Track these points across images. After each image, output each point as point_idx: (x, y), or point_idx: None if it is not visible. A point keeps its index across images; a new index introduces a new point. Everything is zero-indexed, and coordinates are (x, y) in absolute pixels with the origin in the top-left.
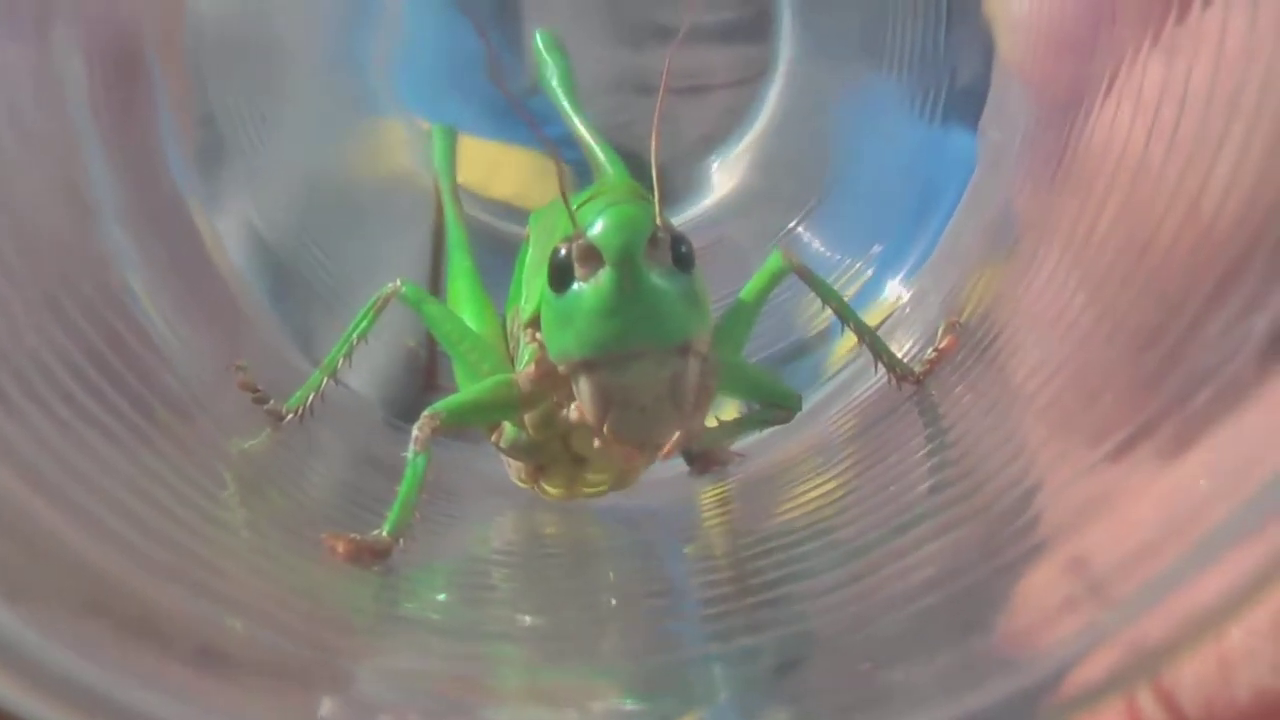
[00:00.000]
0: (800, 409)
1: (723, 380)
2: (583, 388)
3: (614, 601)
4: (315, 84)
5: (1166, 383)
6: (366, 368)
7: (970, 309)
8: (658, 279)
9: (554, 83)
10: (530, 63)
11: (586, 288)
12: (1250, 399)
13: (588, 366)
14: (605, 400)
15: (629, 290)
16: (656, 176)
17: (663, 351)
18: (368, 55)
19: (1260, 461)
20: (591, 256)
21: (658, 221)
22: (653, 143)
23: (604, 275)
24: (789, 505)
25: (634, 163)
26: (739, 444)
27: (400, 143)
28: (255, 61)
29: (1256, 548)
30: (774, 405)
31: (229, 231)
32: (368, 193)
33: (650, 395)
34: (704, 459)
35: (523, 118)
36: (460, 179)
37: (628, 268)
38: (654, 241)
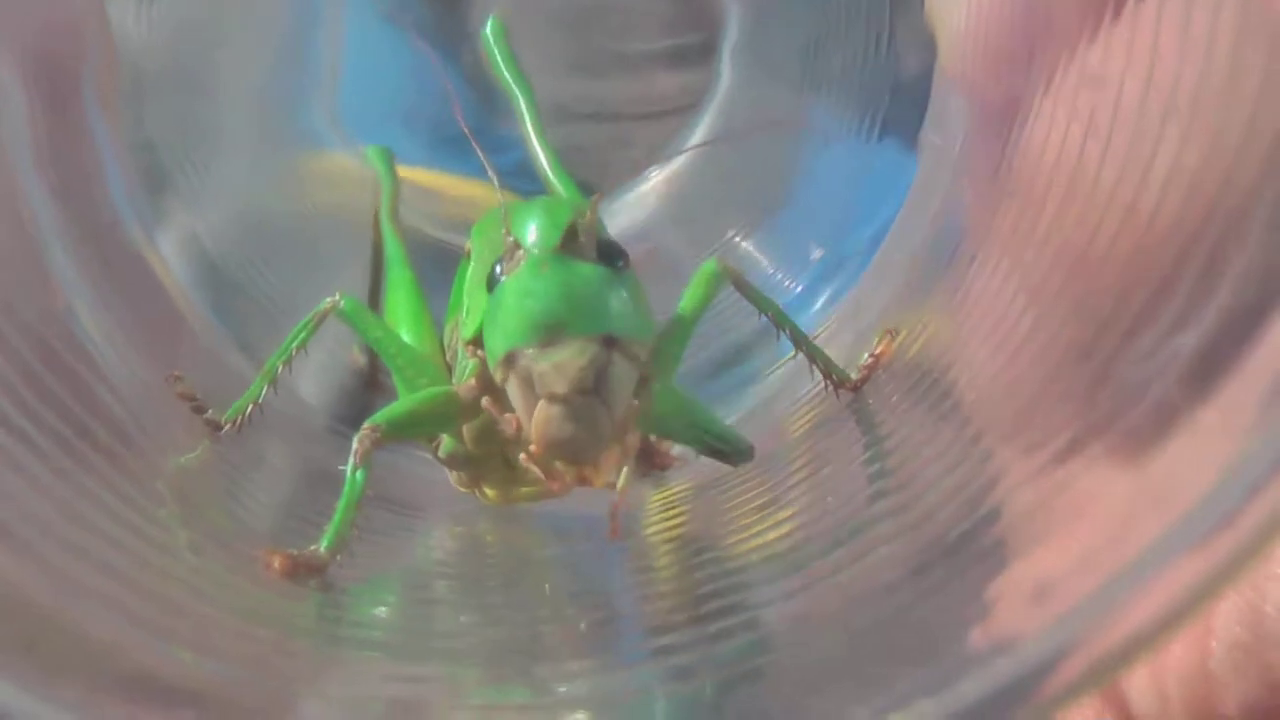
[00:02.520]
0: (752, 459)
1: (662, 407)
2: (511, 388)
3: (555, 616)
4: (258, 111)
5: (1098, 398)
6: (315, 379)
7: (909, 317)
8: (578, 266)
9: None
10: (481, 96)
11: (509, 280)
12: (1177, 419)
13: (511, 361)
14: (529, 396)
15: (546, 274)
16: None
17: (584, 340)
18: (312, 82)
19: (1187, 483)
20: (516, 251)
21: (585, 221)
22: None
23: (524, 264)
24: (730, 515)
25: (582, 188)
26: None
27: (346, 167)
28: (193, 92)
29: (1184, 569)
30: (723, 448)
31: (175, 254)
32: (315, 216)
33: (574, 388)
34: (644, 461)
35: (458, 118)
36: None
37: (545, 253)
38: (574, 234)
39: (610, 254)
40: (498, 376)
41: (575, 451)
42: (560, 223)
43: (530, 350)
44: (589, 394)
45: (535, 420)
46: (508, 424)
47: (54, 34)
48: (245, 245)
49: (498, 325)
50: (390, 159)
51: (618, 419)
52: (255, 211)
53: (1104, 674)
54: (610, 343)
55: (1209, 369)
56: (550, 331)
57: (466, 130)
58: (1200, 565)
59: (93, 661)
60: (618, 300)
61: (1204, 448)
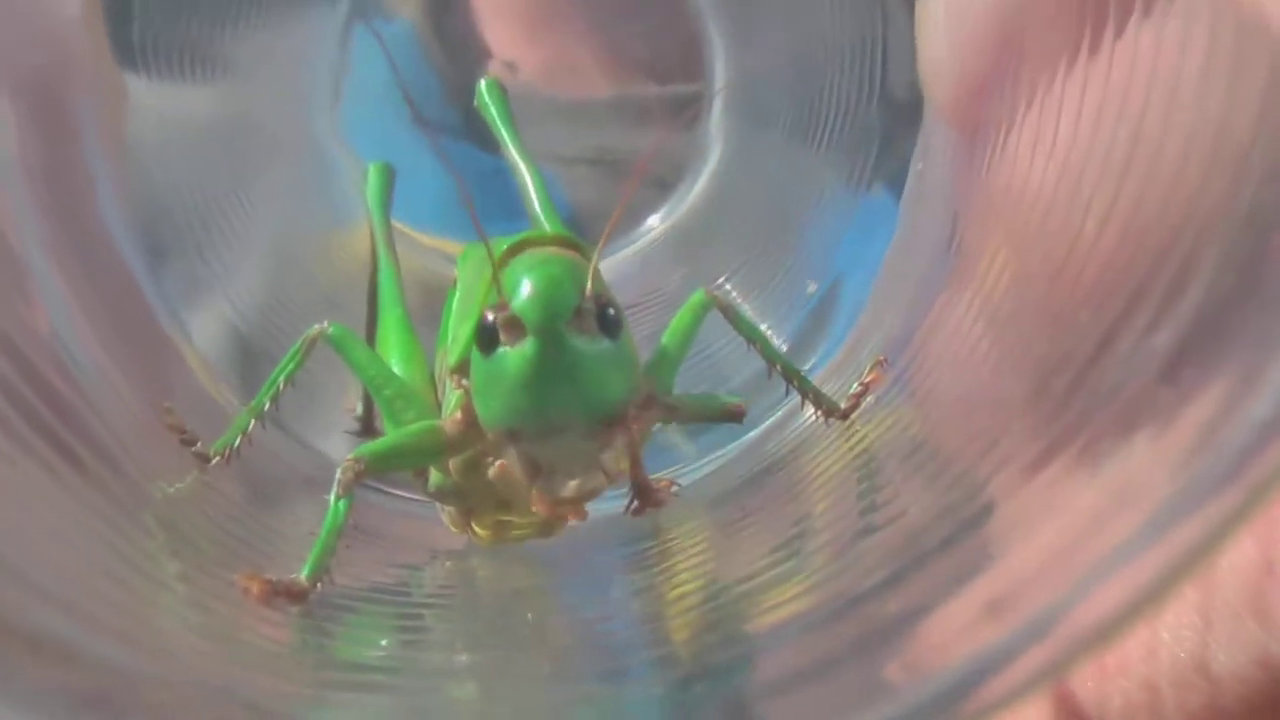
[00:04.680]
0: (746, 411)
1: (663, 414)
2: (510, 455)
3: (546, 639)
4: (274, 163)
5: (1073, 405)
6: (307, 411)
7: (897, 344)
8: (583, 349)
9: (494, 113)
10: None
11: (511, 354)
12: (1153, 416)
13: (513, 436)
14: (533, 468)
15: (552, 363)
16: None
17: (589, 425)
18: (333, 134)
19: (1165, 476)
20: (516, 325)
21: (587, 288)
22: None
23: (528, 346)
24: (722, 540)
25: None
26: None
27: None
28: (209, 152)
29: (1158, 560)
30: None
31: (191, 310)
32: (336, 269)
33: (578, 465)
34: (643, 499)
35: (435, 148)
36: None
37: (551, 339)
38: (579, 311)
39: (608, 319)
40: (490, 436)
41: (583, 503)
42: (565, 303)
43: (533, 432)
44: (592, 467)
45: (539, 486)
46: (494, 469)
47: (42, 62)
48: (264, 300)
49: (498, 398)
50: (389, 178)
51: (613, 468)
52: (274, 262)
53: (1053, 675)
54: (610, 421)
55: (1183, 364)
56: (556, 419)
57: (422, 124)
58: (1162, 561)
59: (69, 672)
60: (619, 377)
61: (1174, 442)
